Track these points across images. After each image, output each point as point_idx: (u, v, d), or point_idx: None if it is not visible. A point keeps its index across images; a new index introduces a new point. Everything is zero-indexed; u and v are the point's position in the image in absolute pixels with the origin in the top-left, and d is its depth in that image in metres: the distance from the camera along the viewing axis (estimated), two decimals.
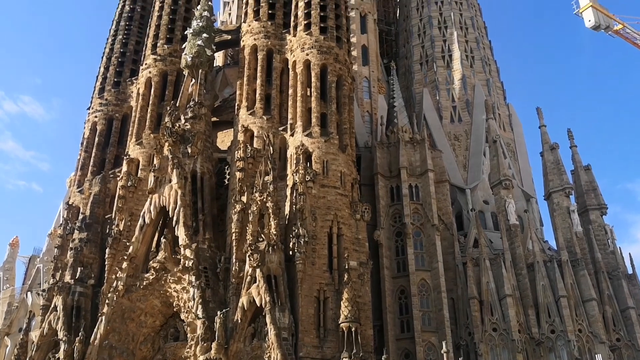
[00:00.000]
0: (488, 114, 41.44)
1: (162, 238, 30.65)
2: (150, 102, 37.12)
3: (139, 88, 38.29)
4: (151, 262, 30.19)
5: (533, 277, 32.92)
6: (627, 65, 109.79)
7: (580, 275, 33.36)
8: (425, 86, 45.91)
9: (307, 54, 33.98)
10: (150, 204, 31.29)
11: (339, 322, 26.61)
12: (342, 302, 26.86)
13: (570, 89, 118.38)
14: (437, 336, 30.70)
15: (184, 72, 36.19)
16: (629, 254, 36.75)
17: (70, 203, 36.79)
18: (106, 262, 31.84)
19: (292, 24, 35.86)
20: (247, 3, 38.01)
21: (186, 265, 28.56)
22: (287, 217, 29.82)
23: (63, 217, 37.24)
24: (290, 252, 28.03)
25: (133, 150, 35.90)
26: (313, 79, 33.41)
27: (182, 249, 29.24)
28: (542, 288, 32.36)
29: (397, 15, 57.14)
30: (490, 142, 39.35)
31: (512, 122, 46.01)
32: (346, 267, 28.15)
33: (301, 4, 35.70)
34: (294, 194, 29.53)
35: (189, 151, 31.89)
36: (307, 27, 34.83)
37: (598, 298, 32.98)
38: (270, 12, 36.71)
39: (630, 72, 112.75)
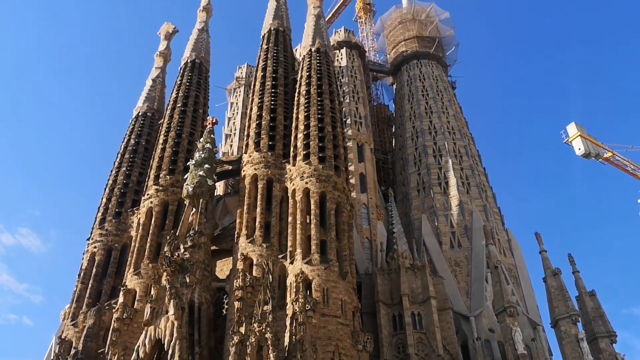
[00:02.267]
0: (487, 240, 41.51)
1: None
2: (150, 232, 37.25)
3: (139, 218, 38.63)
4: None
5: None
6: (620, 189, 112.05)
7: None
8: (423, 212, 46.44)
9: (307, 182, 34.68)
10: (146, 336, 30.24)
11: None
12: None
13: (567, 214, 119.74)
14: None
15: (184, 202, 36.67)
16: None
17: (62, 337, 35.57)
18: None
19: (291, 154, 36.99)
20: (248, 135, 39.52)
21: None
22: (287, 348, 28.66)
23: (54, 352, 35.81)
24: None
25: (131, 280, 35.41)
26: (312, 207, 33.80)
27: None
28: None
29: (393, 144, 59.34)
30: (492, 267, 39.05)
31: (512, 247, 45.97)
32: None
33: (300, 135, 37.09)
34: (294, 324, 28.62)
35: (187, 281, 31.40)
36: (306, 156, 35.91)
37: None
38: (270, 143, 38.04)
39: (624, 196, 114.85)
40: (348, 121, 50.85)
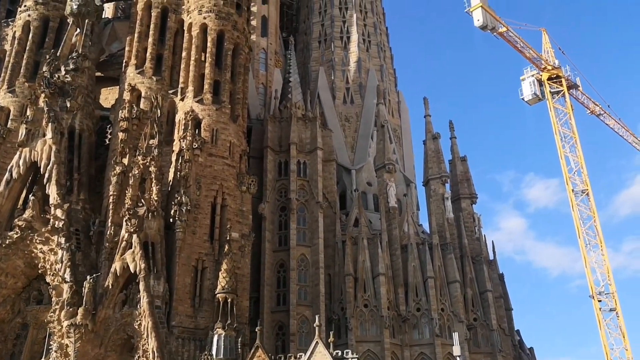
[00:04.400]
0: (379, 99, 42.65)
1: (30, 195, 28.58)
2: (28, 48, 34.20)
3: (15, 31, 35.08)
4: (16, 220, 28.11)
5: (406, 258, 34.66)
6: (509, 64, 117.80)
7: (448, 259, 35.58)
8: (321, 65, 46.23)
9: (205, 18, 32.89)
10: (20, 157, 29.00)
11: (216, 293, 26.43)
12: (220, 273, 26.67)
13: (456, 82, 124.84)
14: (311, 310, 31.46)
15: (68, 20, 33.62)
16: (492, 241, 39.73)
17: None
18: None
19: None
20: None
21: (56, 225, 26.91)
22: (170, 183, 28.97)
23: None
24: (171, 220, 27.32)
25: (4, 98, 33.00)
26: (209, 45, 32.44)
27: (52, 208, 27.48)
28: (412, 269, 34.18)
29: None
30: (379, 126, 40.62)
31: (401, 109, 47.69)
32: (227, 238, 28.00)
33: None
34: (180, 161, 28.73)
35: (68, 105, 29.84)
36: None
37: (461, 280, 35.36)
38: None
39: (510, 71, 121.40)
40: None
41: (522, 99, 42.05)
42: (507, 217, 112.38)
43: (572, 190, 38.38)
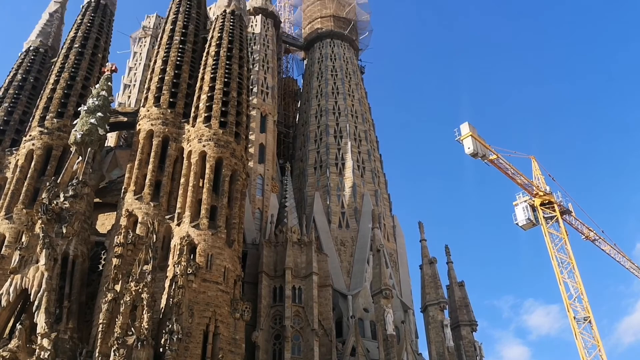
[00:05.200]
0: (374, 224, 42.98)
1: (17, 324, 27.61)
2: (29, 176, 34.80)
3: (17, 159, 35.94)
4: (1, 350, 26.90)
5: None
6: (500, 190, 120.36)
7: None
8: (317, 190, 47.12)
9: (204, 146, 33.93)
10: (11, 285, 28.38)
11: None
12: None
13: (450, 207, 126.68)
14: None
15: (71, 149, 34.57)
16: None
17: None
18: None
19: (192, 114, 35.95)
20: (148, 88, 37.87)
21: (41, 356, 25.68)
22: (162, 310, 28.17)
23: None
24: (161, 349, 26.20)
25: (0, 224, 32.97)
26: (207, 171, 33.17)
27: (39, 338, 26.42)
28: None
29: (297, 119, 59.44)
30: (375, 251, 40.55)
31: (396, 234, 47.92)
32: None
33: (204, 97, 36.10)
34: (173, 287, 28.13)
35: (64, 231, 29.74)
36: (207, 119, 35.07)
37: None
38: (171, 100, 36.72)
39: (502, 197, 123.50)
40: (255, 90, 50.23)
41: (517, 224, 42.55)
42: (509, 345, 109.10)
43: (574, 318, 37.61)
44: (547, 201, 41.32)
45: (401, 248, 47.25)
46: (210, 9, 48.85)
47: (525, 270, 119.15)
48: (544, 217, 41.06)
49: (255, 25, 57.86)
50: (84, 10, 44.27)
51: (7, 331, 28.21)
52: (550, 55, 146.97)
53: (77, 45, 40.91)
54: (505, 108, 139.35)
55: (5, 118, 38.74)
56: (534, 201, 41.45)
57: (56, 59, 41.47)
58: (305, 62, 66.40)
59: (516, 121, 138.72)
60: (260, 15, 58.94)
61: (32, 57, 43.00)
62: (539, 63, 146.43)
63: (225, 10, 41.80)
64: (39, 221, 29.67)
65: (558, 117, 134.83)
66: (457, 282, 41.81)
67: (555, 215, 40.56)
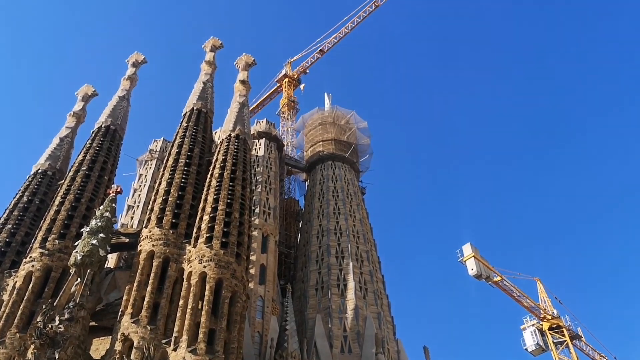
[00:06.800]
0: (377, 348, 41.52)
1: None
2: (25, 298, 34.11)
3: (16, 281, 35.45)
4: None
5: None
6: (506, 313, 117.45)
7: None
8: (318, 312, 46.02)
9: (205, 266, 33.62)
10: None
11: None
12: None
13: (456, 331, 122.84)
14: None
15: (70, 270, 34.22)
16: None
17: None
18: None
19: (194, 235, 36.00)
20: (151, 209, 38.26)
21: None
22: None
23: None
24: None
25: None
26: (207, 292, 32.58)
27: None
28: None
29: (298, 240, 59.47)
30: None
31: (400, 358, 46.08)
32: None
33: (206, 217, 36.36)
34: None
35: (57, 357, 28.61)
36: (209, 239, 35.06)
37: None
38: (173, 220, 36.95)
39: (509, 320, 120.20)
40: (257, 210, 50.74)
41: (526, 349, 41.04)
42: None
43: None
44: (555, 325, 40.13)
45: None
46: (215, 133, 50.77)
47: None
48: (553, 342, 39.68)
49: (259, 148, 59.76)
50: (93, 135, 45.95)
51: None
52: (549, 164, 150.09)
53: (84, 168, 41.94)
54: (507, 227, 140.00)
55: (7, 240, 38.77)
56: (542, 325, 40.25)
57: (63, 181, 42.37)
58: (307, 183, 67.75)
59: (519, 241, 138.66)
60: (264, 139, 61.07)
61: (40, 180, 43.93)
62: (540, 179, 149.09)
63: (230, 135, 43.36)
64: (32, 346, 28.67)
65: (560, 234, 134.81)
66: None
67: (565, 341, 39.23)
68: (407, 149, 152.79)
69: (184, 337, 30.71)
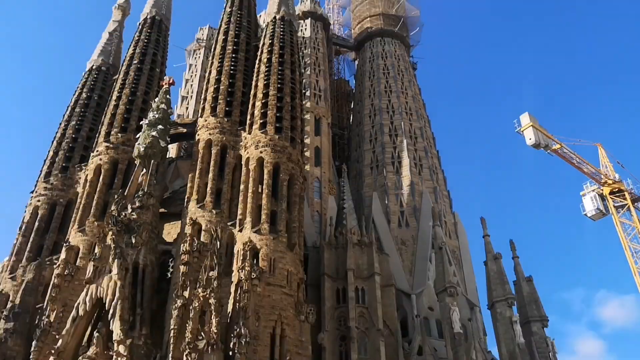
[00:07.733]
0: (434, 221, 42.43)
1: (95, 332, 28.89)
2: (98, 190, 36.37)
3: (87, 174, 37.62)
4: (80, 357, 28.22)
5: None
6: (565, 181, 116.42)
7: None
8: (375, 190, 46.93)
9: (261, 152, 34.49)
10: (87, 294, 29.76)
11: None
12: None
13: (512, 201, 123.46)
14: None
15: (135, 162, 35.89)
16: None
17: None
18: (31, 356, 29.54)
19: (248, 122, 36.61)
20: (204, 99, 38.84)
21: None
22: (230, 315, 28.78)
23: None
24: (230, 353, 26.79)
25: (74, 237, 34.60)
26: (265, 177, 33.69)
27: (115, 344, 27.57)
28: None
29: (351, 120, 59.41)
30: (437, 248, 40.02)
31: (458, 231, 47.11)
32: None
33: (258, 104, 36.71)
34: (239, 291, 28.71)
35: (133, 241, 30.95)
36: (263, 125, 35.62)
37: None
38: (227, 109, 37.51)
39: (568, 187, 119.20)
40: (307, 93, 50.59)
41: (585, 214, 41.00)
42: (582, 340, 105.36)
43: None
44: (616, 189, 39.59)
45: (464, 245, 46.42)
46: (260, 16, 49.60)
47: (595, 262, 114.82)
48: (614, 206, 39.41)
49: (305, 29, 58.30)
50: (140, 27, 45.89)
51: (85, 339, 29.56)
52: (609, 22, 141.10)
53: (136, 62, 42.45)
54: (567, 95, 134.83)
55: (74, 135, 40.67)
56: (602, 190, 39.82)
57: (117, 76, 43.23)
58: (356, 62, 66.33)
59: (580, 108, 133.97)
60: (309, 18, 59.32)
61: (95, 76, 44.92)
62: (599, 37, 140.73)
63: (275, 17, 42.39)
64: (110, 233, 30.99)
65: (622, 102, 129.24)
66: (524, 277, 40.72)
67: (627, 204, 38.87)
68: (459, 18, 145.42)
69: (248, 219, 32.31)
